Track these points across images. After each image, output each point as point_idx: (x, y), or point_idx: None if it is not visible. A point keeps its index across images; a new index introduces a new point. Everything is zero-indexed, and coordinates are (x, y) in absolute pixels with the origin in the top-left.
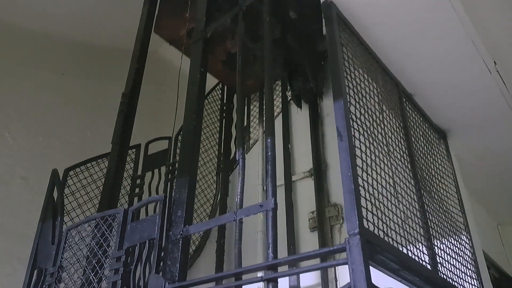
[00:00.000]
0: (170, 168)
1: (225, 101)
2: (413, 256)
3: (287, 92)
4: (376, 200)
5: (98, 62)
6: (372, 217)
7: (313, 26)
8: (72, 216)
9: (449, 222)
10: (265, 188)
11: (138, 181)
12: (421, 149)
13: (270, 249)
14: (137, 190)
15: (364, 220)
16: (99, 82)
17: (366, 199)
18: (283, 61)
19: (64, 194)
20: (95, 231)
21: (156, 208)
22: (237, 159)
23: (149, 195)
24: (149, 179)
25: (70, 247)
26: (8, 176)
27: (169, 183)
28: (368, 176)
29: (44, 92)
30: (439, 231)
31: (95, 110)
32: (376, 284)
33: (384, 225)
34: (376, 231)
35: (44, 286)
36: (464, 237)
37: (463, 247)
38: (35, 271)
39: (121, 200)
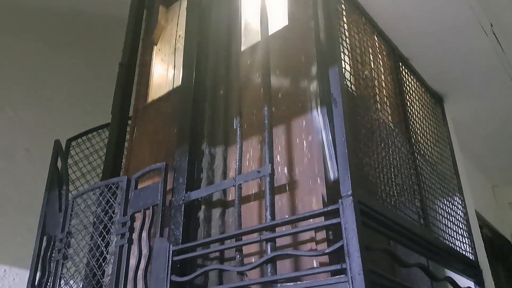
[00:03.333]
0: None
1: None
2: (406, 216)
3: None
4: (369, 163)
5: (93, 32)
6: (365, 179)
7: None
8: (77, 185)
9: (443, 184)
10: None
11: None
12: (416, 113)
13: (268, 211)
14: None
15: (357, 182)
16: (96, 52)
17: (359, 163)
18: None
19: (67, 164)
20: (100, 198)
21: None
22: (234, 127)
23: None
24: None
25: (77, 215)
26: (12, 149)
27: None
28: (362, 140)
29: (41, 65)
30: (432, 193)
31: (93, 80)
32: (368, 243)
33: (377, 187)
34: (369, 193)
35: (54, 251)
36: (457, 198)
37: (455, 207)
38: (45, 237)
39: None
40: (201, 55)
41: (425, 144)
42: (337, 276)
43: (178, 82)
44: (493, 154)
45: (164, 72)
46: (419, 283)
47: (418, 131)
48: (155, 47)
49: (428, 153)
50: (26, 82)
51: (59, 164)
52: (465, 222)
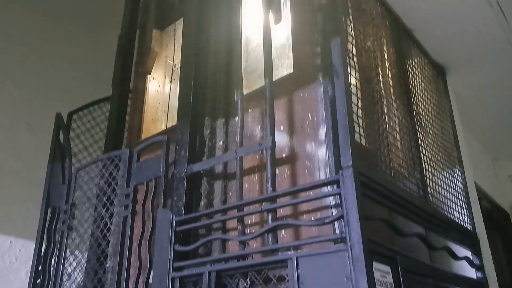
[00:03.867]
0: None
1: None
2: (405, 188)
3: None
4: (369, 135)
5: (93, 4)
6: (365, 151)
7: None
8: (79, 158)
9: (443, 156)
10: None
11: None
12: (418, 85)
13: (269, 183)
14: None
15: (357, 153)
16: (96, 25)
17: (360, 134)
18: None
19: (69, 137)
20: (103, 171)
21: None
22: (236, 100)
23: None
24: None
25: (80, 187)
26: (13, 123)
27: None
28: (363, 112)
29: (41, 38)
30: (432, 165)
31: (94, 53)
32: (367, 213)
33: (377, 158)
34: (369, 164)
35: (59, 222)
36: (457, 170)
37: (455, 179)
38: (49, 209)
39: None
40: (199, 96)
41: (426, 116)
42: (336, 245)
43: (173, 121)
44: (494, 127)
45: (159, 106)
46: (417, 253)
47: (420, 103)
48: (148, 76)
49: (429, 125)
50: (26, 56)
51: (61, 137)
52: (465, 194)
